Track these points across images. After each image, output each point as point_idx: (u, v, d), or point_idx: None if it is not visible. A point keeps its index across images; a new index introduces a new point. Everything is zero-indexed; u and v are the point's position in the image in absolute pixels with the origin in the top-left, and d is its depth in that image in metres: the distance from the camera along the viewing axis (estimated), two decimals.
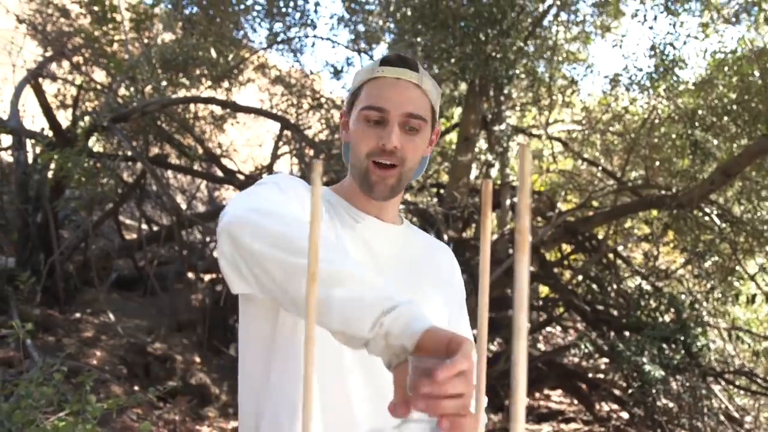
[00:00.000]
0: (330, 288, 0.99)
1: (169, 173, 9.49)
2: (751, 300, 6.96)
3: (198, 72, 7.77)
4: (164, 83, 7.41)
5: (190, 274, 8.71)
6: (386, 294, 0.98)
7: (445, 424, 0.82)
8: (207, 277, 8.60)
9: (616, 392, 7.14)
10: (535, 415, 7.48)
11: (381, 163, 1.42)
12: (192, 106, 8.30)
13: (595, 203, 8.34)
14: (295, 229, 1.09)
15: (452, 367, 0.84)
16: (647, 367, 5.53)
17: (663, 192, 7.13)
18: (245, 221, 1.12)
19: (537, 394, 8.01)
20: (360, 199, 1.50)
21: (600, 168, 8.64)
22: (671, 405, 6.33)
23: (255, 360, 1.38)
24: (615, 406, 7.34)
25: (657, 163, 7.98)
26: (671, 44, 7.24)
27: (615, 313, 7.05)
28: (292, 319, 1.30)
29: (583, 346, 6.12)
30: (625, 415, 7.13)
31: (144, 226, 8.89)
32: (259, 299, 1.35)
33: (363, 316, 0.96)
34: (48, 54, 7.86)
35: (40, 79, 7.26)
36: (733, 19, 7.59)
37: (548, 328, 9.07)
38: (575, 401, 7.75)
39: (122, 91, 7.51)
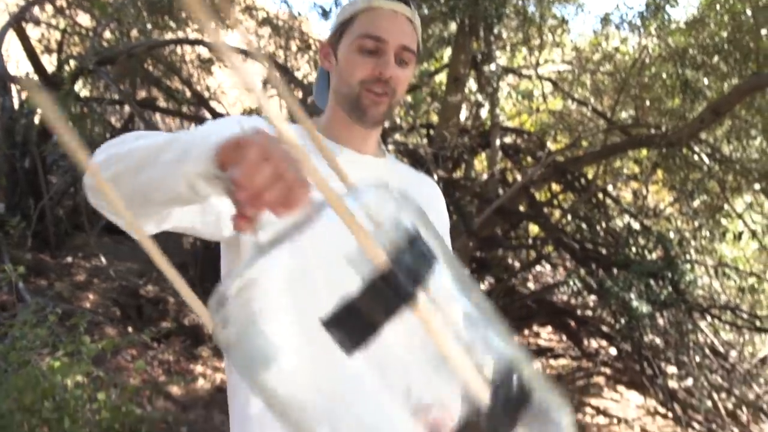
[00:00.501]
0: (139, 172, 1.01)
1: (158, 117, 9.43)
2: (738, 237, 7.03)
3: (184, 14, 7.66)
4: (150, 26, 7.31)
5: None
6: (178, 142, 0.98)
7: (278, 211, 0.79)
8: None
9: (604, 329, 7.26)
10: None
11: (374, 91, 1.42)
12: (179, 49, 8.20)
13: (584, 143, 8.34)
14: (118, 141, 1.12)
15: (242, 161, 0.80)
16: (634, 303, 5.61)
17: (653, 131, 7.13)
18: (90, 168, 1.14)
19: (526, 332, 8.12)
20: (340, 131, 1.48)
21: (590, 108, 8.62)
22: (658, 340, 6.45)
23: None
24: (603, 342, 7.47)
25: (647, 102, 7.97)
26: None
27: (604, 251, 7.11)
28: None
29: (572, 283, 6.20)
30: (613, 350, 7.26)
31: None
32: (226, 241, 1.37)
33: (170, 175, 0.96)
34: None
35: (24, 24, 7.15)
36: None
37: (538, 267, 9.16)
38: (564, 338, 7.87)
39: (107, 34, 7.41)
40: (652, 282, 5.95)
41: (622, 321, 6.12)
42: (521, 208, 7.49)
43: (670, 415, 6.10)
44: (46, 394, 3.38)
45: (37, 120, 6.78)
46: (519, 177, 8.09)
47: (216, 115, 7.68)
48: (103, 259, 6.85)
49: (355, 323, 0.65)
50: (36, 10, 7.94)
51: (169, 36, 7.57)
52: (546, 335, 8.23)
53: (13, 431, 3.14)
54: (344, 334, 0.65)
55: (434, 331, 0.68)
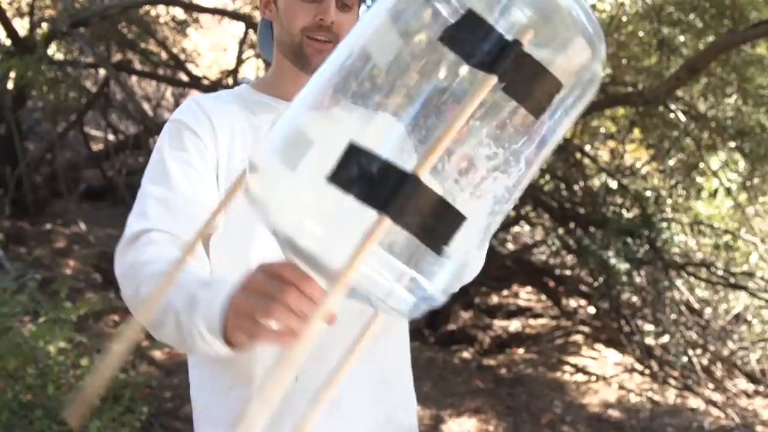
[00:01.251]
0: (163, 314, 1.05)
1: (134, 80, 9.32)
2: (713, 195, 7.09)
3: None
4: None
5: None
6: (185, 294, 1.01)
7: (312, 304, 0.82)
8: None
9: (583, 288, 7.33)
10: (504, 312, 7.68)
11: (316, 39, 1.36)
12: (153, 12, 8.08)
13: None
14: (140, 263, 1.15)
15: (259, 328, 0.85)
16: (612, 261, 5.67)
17: (629, 89, 7.15)
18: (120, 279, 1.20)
19: (505, 292, 8.19)
20: (287, 83, 1.42)
21: None
22: (635, 298, 6.53)
23: None
24: (582, 301, 7.54)
25: (624, 60, 7.96)
26: None
27: (581, 210, 7.15)
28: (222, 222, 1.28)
29: (550, 243, 6.24)
30: (591, 309, 7.34)
31: (110, 136, 8.78)
32: None
33: (183, 331, 1.01)
34: None
35: None
36: None
37: (516, 228, 9.21)
38: (543, 297, 7.95)
39: None
40: (629, 240, 6.01)
41: (600, 279, 6.20)
42: None
43: (647, 371, 6.20)
44: (28, 361, 3.39)
45: (10, 86, 6.68)
46: None
47: (192, 77, 7.61)
48: (82, 226, 6.82)
49: (411, 208, 0.69)
50: None
51: None
52: (525, 295, 8.30)
53: None
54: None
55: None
